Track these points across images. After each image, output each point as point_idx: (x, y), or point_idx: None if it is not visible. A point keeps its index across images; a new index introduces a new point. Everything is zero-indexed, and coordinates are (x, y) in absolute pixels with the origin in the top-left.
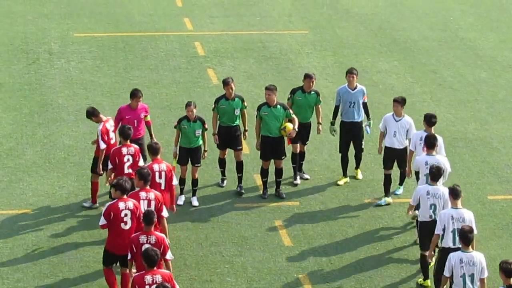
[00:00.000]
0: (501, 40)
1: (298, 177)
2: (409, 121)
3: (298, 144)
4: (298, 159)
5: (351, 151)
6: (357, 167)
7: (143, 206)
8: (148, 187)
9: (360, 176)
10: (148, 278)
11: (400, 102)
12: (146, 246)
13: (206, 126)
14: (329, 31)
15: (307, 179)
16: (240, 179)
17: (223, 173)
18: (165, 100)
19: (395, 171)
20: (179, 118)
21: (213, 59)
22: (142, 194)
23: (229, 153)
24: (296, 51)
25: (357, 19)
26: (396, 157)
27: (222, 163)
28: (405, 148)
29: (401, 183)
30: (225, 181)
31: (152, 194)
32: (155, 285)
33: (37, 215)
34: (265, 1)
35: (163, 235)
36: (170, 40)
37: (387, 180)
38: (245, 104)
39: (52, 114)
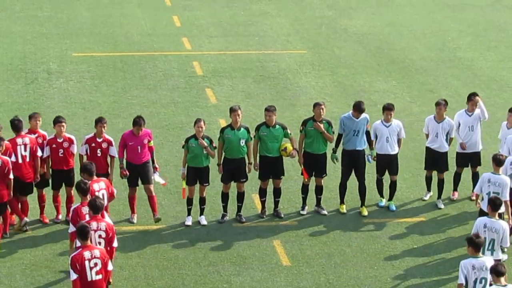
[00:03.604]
0: (499, 60)
1: (306, 208)
2: (398, 124)
3: (313, 177)
4: (315, 194)
5: (353, 180)
6: (362, 204)
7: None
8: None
9: (365, 213)
10: (86, 254)
11: (391, 109)
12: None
13: (215, 145)
14: (327, 51)
15: (324, 214)
16: (239, 208)
17: (224, 209)
18: (164, 119)
19: (388, 178)
20: (185, 138)
21: (212, 78)
22: (93, 225)
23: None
24: (294, 70)
25: (355, 39)
26: (389, 162)
27: (225, 197)
28: (397, 154)
29: (391, 198)
30: (225, 217)
31: (103, 224)
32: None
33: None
34: (263, 21)
35: (112, 223)
36: (169, 60)
37: (380, 183)
38: (252, 135)
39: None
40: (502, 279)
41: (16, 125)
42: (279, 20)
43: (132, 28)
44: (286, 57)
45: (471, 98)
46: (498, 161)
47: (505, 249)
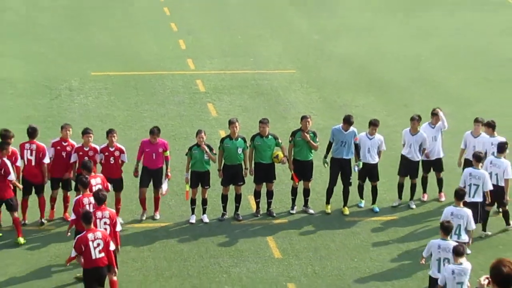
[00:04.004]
0: (466, 78)
1: (295, 208)
2: (380, 138)
3: (302, 181)
4: (303, 196)
5: (337, 184)
6: (344, 205)
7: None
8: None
9: (347, 212)
10: (90, 236)
11: (377, 125)
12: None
13: (215, 151)
14: (314, 70)
15: (311, 213)
16: (237, 208)
17: (224, 208)
18: (171, 131)
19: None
20: (189, 147)
21: (213, 95)
22: (98, 214)
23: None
24: (285, 88)
25: (339, 60)
26: (370, 170)
27: (224, 199)
28: (377, 163)
29: (374, 202)
30: (225, 216)
31: (107, 212)
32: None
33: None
34: (258, 44)
35: (114, 211)
36: (175, 79)
37: (361, 187)
38: (248, 144)
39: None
40: (460, 259)
41: (29, 132)
42: (272, 43)
43: (143, 50)
44: (278, 76)
45: (434, 113)
46: (477, 158)
47: (471, 231)
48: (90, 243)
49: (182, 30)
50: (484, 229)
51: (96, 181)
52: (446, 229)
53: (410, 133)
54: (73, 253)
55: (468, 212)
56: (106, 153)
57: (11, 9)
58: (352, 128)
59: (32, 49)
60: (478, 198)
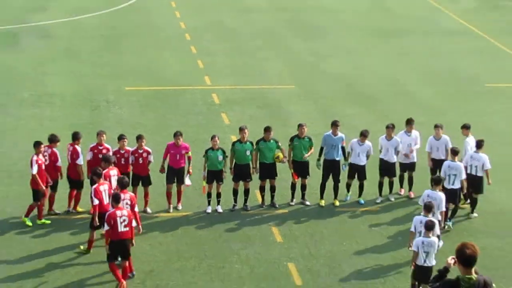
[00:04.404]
0: (437, 92)
1: (294, 200)
2: (369, 144)
3: (300, 178)
4: (300, 191)
5: (329, 182)
6: (335, 197)
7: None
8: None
9: (337, 204)
10: (118, 213)
11: (366, 135)
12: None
13: (227, 154)
14: (310, 86)
15: (308, 205)
16: (246, 201)
17: (235, 200)
18: (191, 136)
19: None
20: (205, 149)
21: (226, 106)
22: (122, 195)
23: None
24: (286, 100)
25: (331, 77)
26: (357, 170)
27: (235, 192)
28: (365, 165)
29: (360, 195)
30: (235, 207)
31: (128, 195)
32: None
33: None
34: (264, 64)
35: (133, 194)
36: (195, 92)
37: (348, 185)
38: (254, 147)
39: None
40: (429, 233)
41: (49, 138)
42: (275, 64)
43: (168, 69)
44: (280, 90)
45: (409, 122)
46: (454, 152)
47: (443, 212)
48: (118, 218)
49: (201, 52)
50: (472, 212)
51: (114, 172)
52: (428, 208)
53: (386, 139)
54: (106, 227)
55: (442, 195)
56: (136, 155)
57: (62, 37)
58: (340, 134)
59: (78, 69)
60: (457, 185)
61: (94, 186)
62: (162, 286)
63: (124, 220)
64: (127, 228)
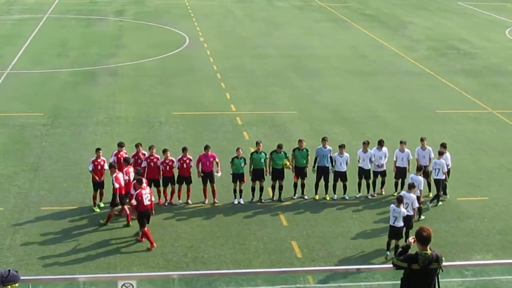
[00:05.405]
0: (400, 116)
1: (296, 195)
2: (347, 156)
3: (299, 179)
4: (300, 188)
5: (322, 182)
6: (326, 193)
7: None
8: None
9: (328, 198)
10: (143, 191)
11: (343, 147)
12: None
13: (247, 162)
14: (307, 111)
15: (306, 199)
16: (260, 195)
17: (252, 195)
18: (220, 148)
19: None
20: (232, 157)
21: (246, 126)
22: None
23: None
24: (290, 122)
25: (322, 105)
26: (341, 175)
27: (253, 189)
28: (345, 171)
29: (344, 193)
30: (253, 200)
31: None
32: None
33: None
34: (274, 96)
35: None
36: (223, 116)
37: (334, 186)
38: (267, 156)
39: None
40: (400, 205)
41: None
42: (281, 95)
43: (204, 99)
44: (286, 115)
45: (380, 142)
46: (440, 153)
47: (421, 190)
48: (144, 195)
49: (228, 86)
50: (445, 193)
51: (131, 169)
52: (411, 186)
53: (363, 152)
54: (134, 202)
55: (422, 179)
56: (181, 161)
57: (128, 75)
58: (328, 147)
59: (139, 98)
60: (441, 176)
61: (115, 174)
62: (199, 257)
63: (147, 197)
64: (150, 202)
